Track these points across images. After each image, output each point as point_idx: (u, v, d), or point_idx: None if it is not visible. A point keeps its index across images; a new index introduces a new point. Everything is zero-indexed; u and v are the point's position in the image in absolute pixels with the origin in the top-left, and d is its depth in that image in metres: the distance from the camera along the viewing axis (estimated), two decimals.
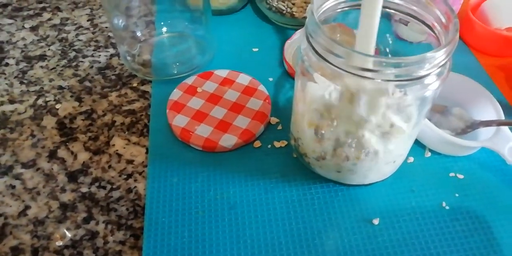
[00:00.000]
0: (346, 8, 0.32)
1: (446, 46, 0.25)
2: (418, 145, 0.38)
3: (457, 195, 0.35)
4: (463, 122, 0.39)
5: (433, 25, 0.29)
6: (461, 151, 0.37)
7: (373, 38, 0.28)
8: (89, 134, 0.41)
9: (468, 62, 0.48)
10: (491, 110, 0.38)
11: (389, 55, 0.37)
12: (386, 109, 0.28)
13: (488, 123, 0.37)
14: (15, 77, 0.46)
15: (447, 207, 0.34)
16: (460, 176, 0.36)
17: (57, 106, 0.43)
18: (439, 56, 0.25)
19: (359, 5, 0.27)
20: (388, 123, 0.29)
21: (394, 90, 0.27)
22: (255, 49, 0.49)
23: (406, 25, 0.32)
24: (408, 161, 0.37)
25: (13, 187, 0.36)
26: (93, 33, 0.52)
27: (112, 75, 0.46)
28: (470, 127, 0.39)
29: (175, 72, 0.45)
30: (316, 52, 0.27)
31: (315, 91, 0.30)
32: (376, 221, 0.33)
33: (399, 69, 0.25)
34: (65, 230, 0.33)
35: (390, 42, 0.37)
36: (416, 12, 0.30)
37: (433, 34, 0.30)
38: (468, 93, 0.41)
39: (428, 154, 0.38)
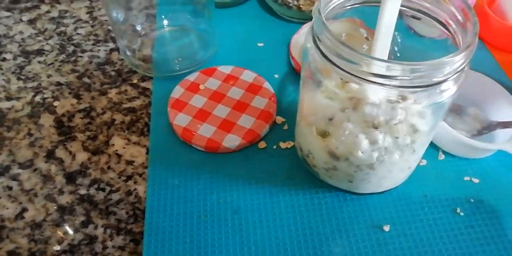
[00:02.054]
0: (356, 5, 0.30)
1: (465, 50, 0.23)
2: (432, 147, 0.37)
3: (472, 200, 0.33)
4: (479, 123, 0.37)
5: (447, 22, 0.27)
6: (476, 153, 0.36)
7: (389, 42, 0.26)
8: (88, 133, 0.39)
9: (484, 58, 0.46)
10: (509, 110, 0.36)
11: (398, 53, 0.35)
12: (400, 116, 0.26)
13: (505, 124, 0.36)
14: (13, 72, 0.45)
15: (462, 213, 0.33)
16: (476, 180, 0.35)
17: (55, 103, 0.42)
18: (457, 61, 0.23)
19: (369, 1, 0.25)
20: (403, 129, 0.27)
21: (409, 96, 0.25)
22: (260, 44, 0.47)
23: (419, 20, 0.30)
24: (421, 164, 0.36)
25: (10, 188, 0.35)
26: (92, 26, 0.50)
27: (112, 71, 0.45)
28: (486, 129, 0.37)
29: (177, 68, 0.43)
30: (324, 55, 0.25)
31: (322, 99, 0.28)
32: (386, 228, 0.32)
33: (414, 75, 0.23)
34: (62, 235, 0.32)
35: (400, 40, 0.34)
36: (429, 8, 0.28)
37: (447, 32, 0.28)
38: (485, 92, 0.39)
39: (442, 157, 0.36)
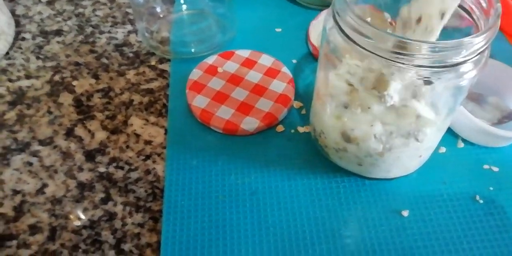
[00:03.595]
0: None
1: (487, 32, 0.23)
2: (451, 134, 0.36)
3: (491, 188, 0.33)
4: (499, 112, 0.37)
5: (471, 9, 0.27)
6: (496, 142, 0.35)
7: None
8: (106, 112, 0.39)
9: (503, 48, 0.45)
10: None
11: None
12: (414, 98, 0.26)
13: None
14: (32, 51, 0.45)
15: (481, 201, 0.33)
16: (495, 169, 0.34)
17: (74, 82, 0.42)
18: (478, 42, 0.23)
19: None
20: (415, 113, 0.27)
21: (426, 76, 0.25)
22: (278, 30, 0.46)
23: None
24: (440, 151, 0.35)
25: (31, 164, 0.36)
26: (110, 8, 0.50)
27: (130, 52, 0.45)
28: (506, 117, 0.37)
29: (194, 50, 0.43)
30: (343, 32, 0.25)
31: (338, 81, 0.28)
32: (405, 213, 0.32)
33: (434, 54, 0.23)
34: (82, 211, 0.33)
35: None
36: None
37: (470, 19, 0.27)
38: (505, 81, 0.38)
39: (461, 145, 0.36)
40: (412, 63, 0.23)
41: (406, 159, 0.31)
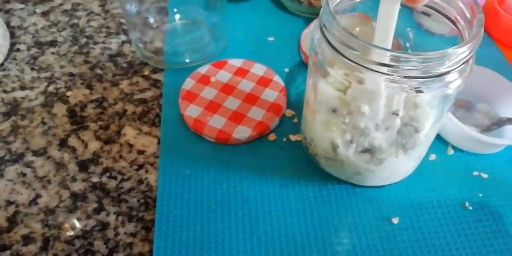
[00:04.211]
0: None
1: (470, 42, 0.23)
2: (441, 141, 0.37)
3: (480, 195, 0.34)
4: (489, 119, 0.38)
5: (456, 19, 0.28)
6: (486, 149, 0.36)
7: (391, 31, 0.26)
8: (100, 122, 0.40)
9: (493, 56, 0.46)
10: None
11: (410, 49, 0.35)
12: (402, 107, 0.27)
13: None
14: (26, 63, 0.45)
15: (470, 208, 0.33)
16: (484, 176, 0.35)
17: (68, 93, 0.42)
18: (462, 52, 0.23)
19: None
20: (403, 122, 0.27)
21: (412, 87, 0.25)
22: (271, 38, 0.47)
23: (429, 16, 0.31)
24: (430, 159, 0.36)
25: (24, 175, 0.36)
26: (104, 19, 0.50)
27: (124, 62, 0.45)
28: (495, 124, 0.37)
29: (188, 60, 0.44)
30: (331, 44, 0.25)
31: (328, 89, 0.29)
32: (395, 220, 0.32)
33: (419, 66, 0.23)
34: (75, 221, 0.33)
35: (411, 36, 0.35)
36: (439, 5, 0.28)
37: (455, 28, 0.28)
38: (494, 88, 0.39)
39: (451, 152, 0.36)
40: (398, 74, 0.24)
41: (394, 168, 0.31)
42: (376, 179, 0.32)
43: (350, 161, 0.31)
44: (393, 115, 0.27)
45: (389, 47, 0.27)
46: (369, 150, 0.29)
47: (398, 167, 0.31)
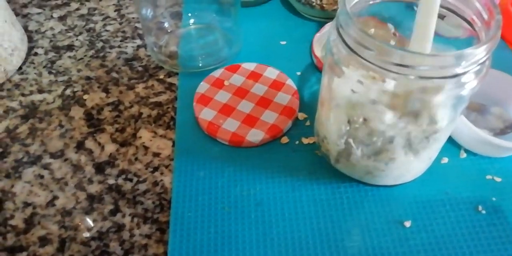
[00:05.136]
0: (379, 0, 0.31)
1: (487, 43, 0.23)
2: (453, 144, 0.37)
3: (494, 199, 0.34)
4: (502, 122, 0.37)
5: (473, 20, 0.28)
6: (499, 152, 0.36)
7: (430, 38, 0.26)
8: (116, 125, 0.40)
9: (506, 58, 0.45)
10: None
11: None
12: (418, 108, 0.27)
13: None
14: (44, 66, 0.46)
15: (484, 211, 0.33)
16: (498, 179, 0.35)
17: (85, 96, 0.43)
18: (479, 53, 0.23)
19: None
20: (418, 123, 0.28)
21: (428, 87, 0.25)
22: (283, 42, 0.48)
23: (442, 19, 0.31)
24: (442, 162, 0.36)
25: (42, 177, 0.37)
26: (120, 23, 0.51)
27: (139, 66, 0.46)
28: (509, 128, 0.37)
29: (202, 64, 0.45)
30: (347, 44, 0.26)
31: (342, 87, 0.29)
32: (408, 224, 0.32)
33: (435, 65, 0.23)
34: (90, 222, 0.34)
35: None
36: (455, 5, 0.28)
37: (472, 30, 0.28)
38: (508, 91, 0.39)
39: (464, 155, 0.36)
40: (414, 75, 0.24)
41: (405, 167, 0.31)
42: (387, 177, 0.32)
43: (360, 160, 0.31)
44: (407, 115, 0.27)
45: (428, 49, 0.27)
46: (380, 150, 0.30)
47: (409, 167, 0.31)
